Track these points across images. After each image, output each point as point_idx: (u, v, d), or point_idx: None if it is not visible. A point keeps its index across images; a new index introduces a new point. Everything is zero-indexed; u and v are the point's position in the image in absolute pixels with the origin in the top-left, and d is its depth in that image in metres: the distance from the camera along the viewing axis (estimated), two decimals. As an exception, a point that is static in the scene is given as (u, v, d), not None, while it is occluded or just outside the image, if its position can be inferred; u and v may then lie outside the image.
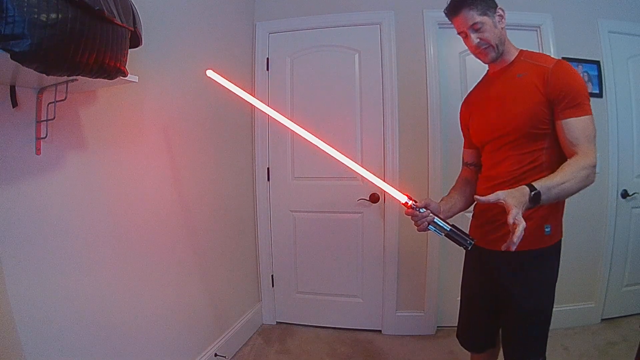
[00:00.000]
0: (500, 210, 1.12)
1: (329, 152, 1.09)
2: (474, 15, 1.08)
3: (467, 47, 1.18)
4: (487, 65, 1.25)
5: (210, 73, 1.17)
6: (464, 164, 1.36)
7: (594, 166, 0.99)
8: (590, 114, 1.03)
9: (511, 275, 1.13)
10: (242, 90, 1.17)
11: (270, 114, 1.15)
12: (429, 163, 2.19)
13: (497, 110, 1.15)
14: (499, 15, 1.12)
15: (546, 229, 1.09)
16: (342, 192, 2.27)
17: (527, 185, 0.94)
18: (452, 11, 1.13)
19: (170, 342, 1.58)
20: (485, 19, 1.09)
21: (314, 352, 2.10)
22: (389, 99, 2.21)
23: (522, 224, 0.84)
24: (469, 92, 1.36)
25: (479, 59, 1.17)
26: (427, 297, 2.25)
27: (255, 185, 2.39)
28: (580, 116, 1.01)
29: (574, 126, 1.02)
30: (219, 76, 1.18)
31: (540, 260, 1.11)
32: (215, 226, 1.95)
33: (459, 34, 1.16)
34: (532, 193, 0.92)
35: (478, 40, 1.10)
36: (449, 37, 2.19)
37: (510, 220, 0.85)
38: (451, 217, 1.18)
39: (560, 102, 1.03)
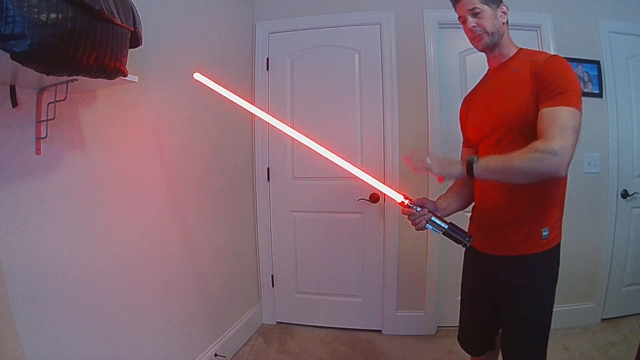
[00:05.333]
0: (497, 213, 1.13)
1: (322, 153, 1.09)
2: (475, 1, 1.09)
3: (466, 38, 1.17)
4: (486, 65, 1.25)
5: (197, 76, 1.16)
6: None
7: (554, 153, 0.90)
8: (574, 106, 0.96)
9: (508, 280, 1.12)
10: (229, 92, 1.16)
11: (259, 115, 1.15)
12: (429, 163, 2.19)
13: (489, 104, 1.14)
14: (502, 12, 1.13)
15: (544, 233, 1.08)
16: (342, 192, 2.27)
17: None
18: None
19: (170, 341, 1.58)
20: (486, 7, 1.10)
21: (314, 352, 2.10)
22: (389, 99, 2.21)
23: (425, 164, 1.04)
24: (469, 91, 1.35)
25: (474, 45, 1.16)
26: (427, 297, 2.25)
27: (255, 185, 2.39)
28: (558, 106, 0.96)
29: (548, 115, 0.96)
30: (207, 79, 1.17)
31: (538, 264, 1.10)
32: (215, 226, 1.95)
33: (459, 19, 1.16)
34: (468, 159, 0.98)
35: (474, 24, 1.10)
36: (449, 37, 2.19)
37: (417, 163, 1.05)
38: (448, 215, 1.18)
39: (543, 93, 1.00)
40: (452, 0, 1.16)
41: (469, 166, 0.98)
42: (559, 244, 1.12)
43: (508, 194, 1.10)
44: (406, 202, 1.06)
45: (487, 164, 0.99)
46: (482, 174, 1.00)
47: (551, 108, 0.97)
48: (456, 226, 1.05)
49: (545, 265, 1.11)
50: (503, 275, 1.13)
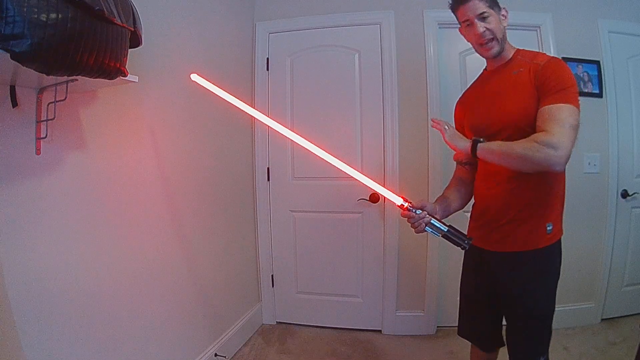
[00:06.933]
0: (500, 210, 1.14)
1: (320, 155, 1.08)
2: (482, 6, 1.09)
3: (468, 41, 1.17)
4: (485, 64, 1.25)
5: (194, 77, 1.16)
6: (459, 162, 1.35)
7: (552, 146, 0.93)
8: (573, 104, 0.99)
9: (513, 276, 1.13)
10: (227, 93, 1.16)
11: (256, 117, 1.15)
12: (429, 163, 2.19)
13: (493, 106, 1.15)
14: (502, 16, 1.13)
15: (548, 227, 1.09)
16: (342, 192, 2.27)
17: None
18: (460, 0, 1.11)
19: (170, 342, 1.58)
20: (491, 11, 1.10)
21: (314, 352, 2.10)
22: (389, 99, 2.21)
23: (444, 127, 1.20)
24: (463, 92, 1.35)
25: (481, 52, 1.15)
26: (427, 297, 2.25)
27: (255, 185, 2.39)
28: (558, 103, 0.98)
29: (548, 111, 0.99)
30: (204, 80, 1.16)
31: (543, 259, 1.11)
32: (215, 226, 1.95)
33: (462, 22, 1.14)
34: (474, 138, 1.09)
35: (484, 29, 1.09)
36: (449, 37, 2.19)
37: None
38: (446, 216, 1.18)
39: (543, 92, 1.02)
40: (456, 2, 1.13)
41: (474, 144, 1.07)
42: (560, 239, 1.14)
43: (512, 190, 1.11)
44: (405, 204, 1.06)
45: (490, 145, 1.05)
46: (483, 153, 1.06)
47: (552, 105, 0.99)
48: (455, 229, 1.05)
49: (549, 259, 1.12)
50: (506, 272, 1.14)
